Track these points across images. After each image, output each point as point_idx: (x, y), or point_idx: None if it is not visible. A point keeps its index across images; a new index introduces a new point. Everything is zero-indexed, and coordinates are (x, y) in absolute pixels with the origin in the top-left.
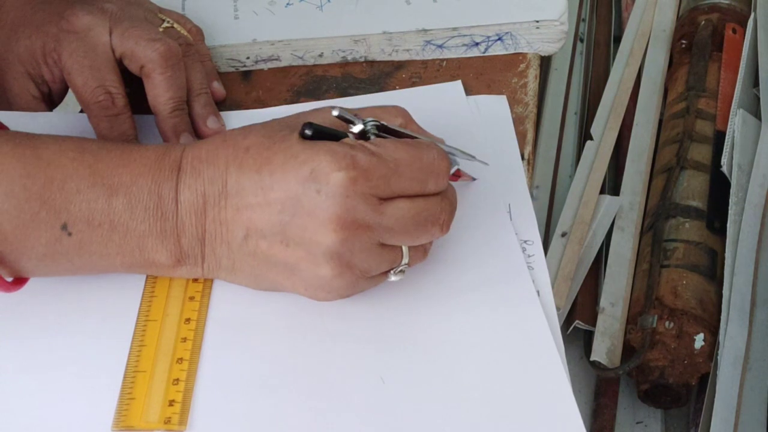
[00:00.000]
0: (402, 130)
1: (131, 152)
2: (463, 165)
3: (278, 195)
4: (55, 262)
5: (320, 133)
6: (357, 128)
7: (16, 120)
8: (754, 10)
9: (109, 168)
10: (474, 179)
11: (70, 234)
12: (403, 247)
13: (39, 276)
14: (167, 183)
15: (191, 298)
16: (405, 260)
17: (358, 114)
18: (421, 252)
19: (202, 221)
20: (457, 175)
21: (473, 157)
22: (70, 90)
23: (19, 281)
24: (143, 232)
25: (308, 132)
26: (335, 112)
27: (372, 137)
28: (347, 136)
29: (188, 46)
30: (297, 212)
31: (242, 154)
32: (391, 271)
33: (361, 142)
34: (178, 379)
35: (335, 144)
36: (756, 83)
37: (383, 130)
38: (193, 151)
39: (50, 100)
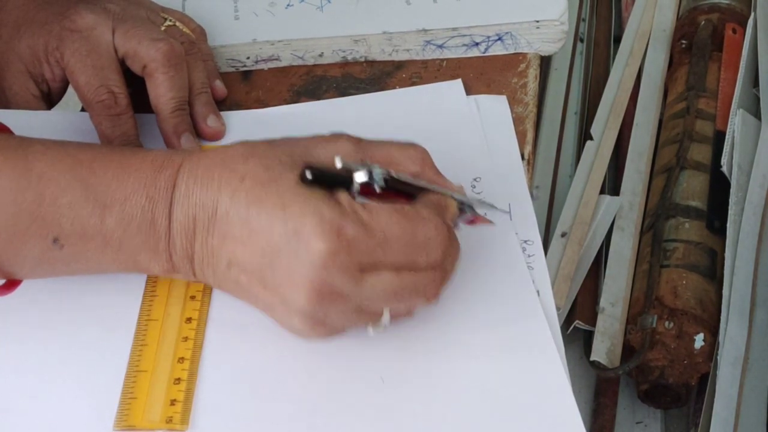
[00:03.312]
0: (412, 182)
1: (127, 165)
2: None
3: (261, 240)
4: (51, 266)
5: (322, 175)
6: (361, 178)
7: (16, 118)
8: (754, 10)
9: (103, 183)
10: (493, 224)
11: (62, 247)
12: (385, 311)
13: (34, 278)
14: (161, 202)
15: (192, 298)
16: (386, 320)
17: (367, 158)
18: (403, 313)
19: (192, 242)
20: (473, 221)
21: (493, 206)
22: (69, 89)
23: (12, 284)
24: (136, 247)
25: (309, 176)
26: (339, 164)
27: (377, 188)
28: (351, 182)
29: (191, 44)
30: (275, 264)
31: (237, 182)
32: (370, 327)
33: (355, 207)
34: (179, 379)
35: (326, 205)
36: (756, 83)
37: (391, 182)
38: (190, 165)
39: (49, 99)
